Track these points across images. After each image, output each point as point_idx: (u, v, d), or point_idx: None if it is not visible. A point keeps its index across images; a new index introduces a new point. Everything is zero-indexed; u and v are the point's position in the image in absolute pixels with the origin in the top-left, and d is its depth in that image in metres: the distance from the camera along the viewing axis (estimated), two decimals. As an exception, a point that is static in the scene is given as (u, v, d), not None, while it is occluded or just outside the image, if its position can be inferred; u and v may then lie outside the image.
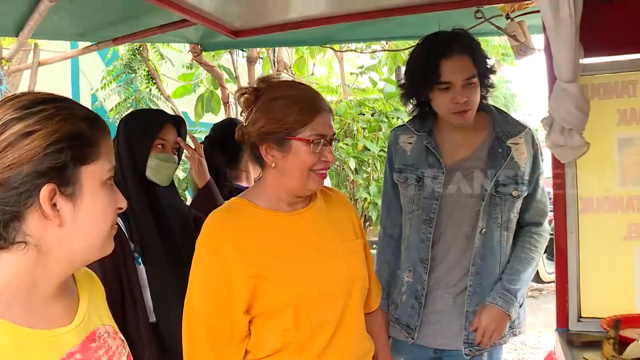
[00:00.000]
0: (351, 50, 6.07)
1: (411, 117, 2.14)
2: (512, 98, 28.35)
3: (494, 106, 2.08)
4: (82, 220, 0.94)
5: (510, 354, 5.05)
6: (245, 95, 1.47)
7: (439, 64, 1.89)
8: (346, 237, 1.59)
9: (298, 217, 1.51)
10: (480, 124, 2.01)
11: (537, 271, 6.94)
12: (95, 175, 0.95)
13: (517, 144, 1.98)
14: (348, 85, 8.52)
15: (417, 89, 2.01)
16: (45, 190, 0.88)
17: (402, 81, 2.09)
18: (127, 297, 1.83)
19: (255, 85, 1.48)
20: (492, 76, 2.03)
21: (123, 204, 1.01)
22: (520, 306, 2.06)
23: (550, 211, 2.10)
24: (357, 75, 7.97)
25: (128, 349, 1.09)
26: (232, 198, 1.52)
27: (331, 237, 1.55)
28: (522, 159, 1.98)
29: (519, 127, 2.03)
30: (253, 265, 1.40)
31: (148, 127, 1.94)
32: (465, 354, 1.99)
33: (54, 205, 0.90)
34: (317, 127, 1.43)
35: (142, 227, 1.88)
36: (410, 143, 2.10)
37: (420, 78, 1.96)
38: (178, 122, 2.03)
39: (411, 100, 2.07)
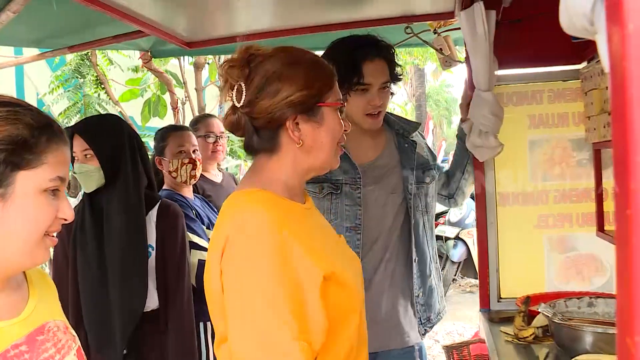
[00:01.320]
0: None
1: None
2: (454, 102, 29.28)
3: None
4: (12, 221, 0.95)
5: (448, 344, 5.35)
6: (236, 69, 1.19)
7: (362, 66, 1.95)
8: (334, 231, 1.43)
9: (313, 210, 1.32)
10: None
11: (475, 268, 7.34)
12: (32, 181, 0.96)
13: (414, 138, 2.17)
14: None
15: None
16: None
17: None
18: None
19: (246, 55, 1.21)
20: (395, 84, 2.12)
21: (67, 215, 1.01)
22: None
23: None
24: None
25: (79, 344, 1.11)
26: (247, 190, 1.22)
27: (334, 232, 1.39)
28: (422, 150, 2.17)
29: (414, 124, 2.21)
30: (326, 265, 1.14)
31: None
32: (422, 334, 2.13)
33: None
34: (337, 92, 1.28)
35: (76, 227, 2.09)
36: None
37: (340, 78, 2.02)
38: (79, 129, 2.09)
39: None
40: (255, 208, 1.15)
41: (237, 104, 1.20)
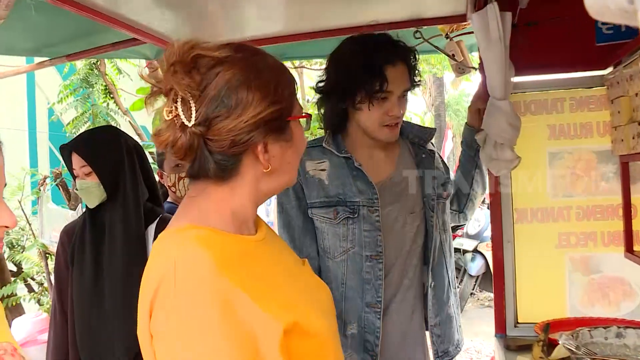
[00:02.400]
0: (305, 67, 6.13)
1: (322, 136, 1.89)
2: (473, 111, 28.99)
3: None
4: None
5: (466, 363, 5.17)
6: (183, 75, 0.91)
7: (384, 70, 1.72)
8: (297, 257, 1.19)
9: (266, 239, 1.05)
10: None
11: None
12: None
13: (430, 147, 1.97)
14: (308, 100, 8.61)
15: (351, 94, 1.77)
16: None
17: (322, 83, 1.85)
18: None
19: (190, 55, 0.93)
20: (412, 91, 1.89)
21: (7, 221, 0.95)
22: None
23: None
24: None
25: None
26: (180, 228, 0.96)
27: (295, 258, 1.15)
28: (438, 162, 1.96)
29: (429, 130, 1.99)
30: (285, 315, 0.91)
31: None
32: None
33: None
34: (298, 99, 1.06)
35: (75, 239, 2.04)
36: (324, 170, 1.82)
37: (360, 83, 1.74)
38: (76, 146, 2.03)
39: (322, 110, 1.86)
40: (191, 253, 0.89)
41: (187, 122, 0.91)
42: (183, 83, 0.90)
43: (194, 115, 0.91)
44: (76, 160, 2.01)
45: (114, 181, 1.99)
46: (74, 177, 2.05)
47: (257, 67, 0.96)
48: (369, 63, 1.73)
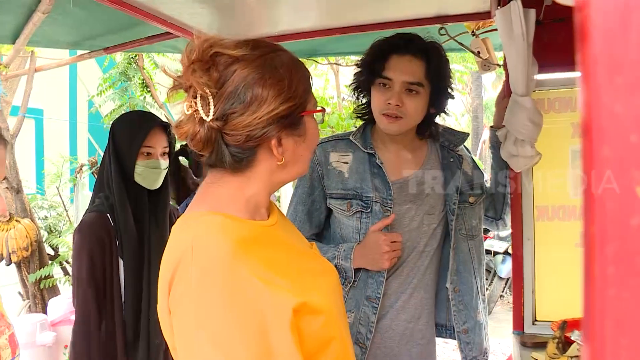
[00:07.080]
0: (341, 65, 6.14)
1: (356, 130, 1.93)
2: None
3: None
4: None
5: (492, 364, 5.12)
6: (201, 73, 0.95)
7: (389, 57, 1.77)
8: (306, 241, 1.26)
9: (277, 225, 1.11)
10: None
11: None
12: None
13: (460, 152, 1.94)
14: (344, 98, 8.63)
15: (364, 79, 1.85)
16: None
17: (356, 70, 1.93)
18: (109, 288, 1.93)
19: (209, 53, 0.97)
20: (448, 100, 1.86)
21: None
22: None
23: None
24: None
25: (13, 330, 1.12)
26: (198, 213, 1.03)
27: (304, 242, 1.22)
28: (468, 166, 1.92)
29: (461, 135, 1.96)
30: (294, 295, 0.96)
31: (133, 135, 1.98)
32: None
33: None
34: (313, 94, 1.09)
35: (122, 226, 1.96)
36: (346, 162, 1.87)
37: (367, 67, 1.83)
38: (166, 127, 2.04)
39: (359, 99, 1.93)
40: (208, 237, 0.95)
41: (205, 117, 0.96)
42: (201, 81, 0.94)
43: (212, 110, 0.96)
44: (161, 138, 1.99)
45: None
46: (135, 157, 1.95)
47: (273, 65, 1.00)
48: (378, 50, 1.80)
